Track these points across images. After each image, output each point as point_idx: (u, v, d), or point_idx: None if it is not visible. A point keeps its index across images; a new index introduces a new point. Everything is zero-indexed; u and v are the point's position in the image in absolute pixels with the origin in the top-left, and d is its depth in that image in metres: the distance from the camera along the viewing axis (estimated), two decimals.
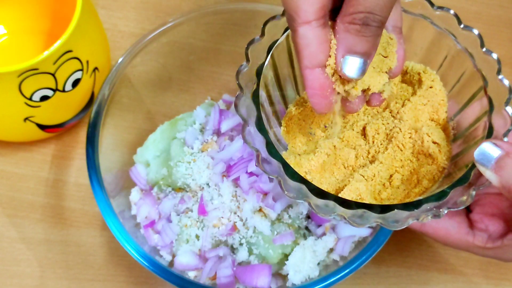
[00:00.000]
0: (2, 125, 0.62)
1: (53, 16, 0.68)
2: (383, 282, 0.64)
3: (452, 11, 0.50)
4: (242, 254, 0.57)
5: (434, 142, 0.49)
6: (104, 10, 0.74)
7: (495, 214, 0.52)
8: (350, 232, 0.58)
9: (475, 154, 0.45)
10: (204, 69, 0.69)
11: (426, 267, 0.64)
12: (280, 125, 0.52)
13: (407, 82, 0.53)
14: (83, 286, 0.63)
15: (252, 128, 0.47)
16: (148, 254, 0.56)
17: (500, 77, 0.49)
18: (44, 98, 0.58)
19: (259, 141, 0.46)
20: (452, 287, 0.64)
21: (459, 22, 0.50)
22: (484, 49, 0.50)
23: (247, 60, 0.49)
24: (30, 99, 0.58)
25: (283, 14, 0.48)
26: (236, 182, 0.58)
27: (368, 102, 0.47)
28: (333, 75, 0.43)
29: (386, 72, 0.46)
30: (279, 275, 0.59)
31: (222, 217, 0.57)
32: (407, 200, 0.48)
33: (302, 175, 0.46)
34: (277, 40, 0.49)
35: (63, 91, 0.59)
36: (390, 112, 0.52)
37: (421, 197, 0.47)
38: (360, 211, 0.44)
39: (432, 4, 0.51)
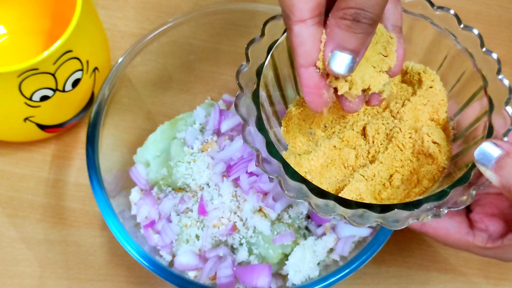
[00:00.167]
0: (2, 125, 0.62)
1: (53, 16, 0.68)
2: (383, 282, 0.64)
3: (452, 11, 0.50)
4: (242, 254, 0.57)
5: (434, 142, 0.49)
6: (104, 10, 0.74)
7: (495, 214, 0.52)
8: (350, 232, 0.58)
9: (475, 154, 0.45)
10: (204, 69, 0.69)
11: (426, 267, 0.64)
12: (280, 125, 0.52)
13: (407, 82, 0.53)
14: (83, 286, 0.63)
15: (252, 128, 0.47)
16: (148, 254, 0.56)
17: (500, 77, 0.49)
18: (44, 98, 0.58)
19: (259, 141, 0.46)
20: (452, 287, 0.64)
21: (459, 22, 0.50)
22: (484, 49, 0.50)
23: (247, 60, 0.49)
24: (30, 99, 0.58)
25: None
26: (236, 182, 0.58)
27: (367, 102, 0.47)
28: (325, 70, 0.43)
29: (386, 72, 0.46)
30: (279, 275, 0.59)
31: (222, 217, 0.57)
32: (407, 200, 0.48)
33: (302, 175, 0.46)
34: (277, 40, 0.49)
35: (63, 91, 0.59)
36: (390, 112, 0.52)
37: (421, 197, 0.47)
38: (360, 210, 0.44)
39: (432, 4, 0.51)
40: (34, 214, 0.65)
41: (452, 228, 0.52)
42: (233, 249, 0.58)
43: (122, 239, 0.56)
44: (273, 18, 0.49)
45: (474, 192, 0.46)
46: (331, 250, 0.59)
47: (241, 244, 0.57)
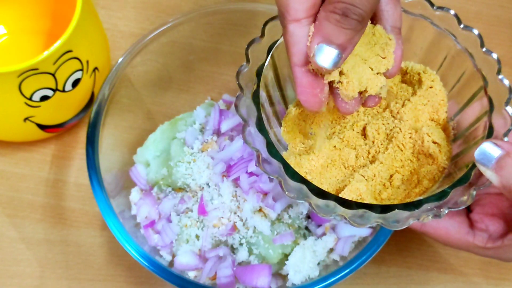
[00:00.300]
0: (2, 125, 0.62)
1: (53, 16, 0.68)
2: (383, 282, 0.64)
3: (452, 11, 0.50)
4: (242, 254, 0.57)
5: (434, 142, 0.49)
6: (104, 10, 0.74)
7: (495, 214, 0.52)
8: (350, 232, 0.58)
9: (475, 154, 0.45)
10: (204, 69, 0.69)
11: (426, 267, 0.64)
12: (280, 125, 0.52)
13: (407, 82, 0.53)
14: (83, 286, 0.63)
15: (252, 129, 0.47)
16: (148, 254, 0.56)
17: (500, 77, 0.49)
18: (44, 98, 0.58)
19: (259, 141, 0.46)
20: (452, 287, 0.64)
21: (459, 22, 0.50)
22: (484, 49, 0.50)
23: (247, 60, 0.49)
24: (30, 99, 0.58)
25: None
26: (236, 182, 0.58)
27: (363, 103, 0.47)
28: None
29: (383, 73, 0.46)
30: (279, 275, 0.59)
31: (222, 217, 0.57)
32: (408, 200, 0.48)
33: (303, 175, 0.46)
34: (277, 40, 0.49)
35: (63, 91, 0.59)
36: (390, 112, 0.52)
37: (421, 197, 0.47)
38: (360, 211, 0.44)
39: (432, 4, 0.51)
40: (34, 214, 0.65)
41: (452, 228, 0.52)
42: (233, 249, 0.58)
43: (122, 239, 0.56)
44: (273, 18, 0.49)
45: (474, 192, 0.46)
46: (331, 250, 0.59)
47: (241, 244, 0.57)
